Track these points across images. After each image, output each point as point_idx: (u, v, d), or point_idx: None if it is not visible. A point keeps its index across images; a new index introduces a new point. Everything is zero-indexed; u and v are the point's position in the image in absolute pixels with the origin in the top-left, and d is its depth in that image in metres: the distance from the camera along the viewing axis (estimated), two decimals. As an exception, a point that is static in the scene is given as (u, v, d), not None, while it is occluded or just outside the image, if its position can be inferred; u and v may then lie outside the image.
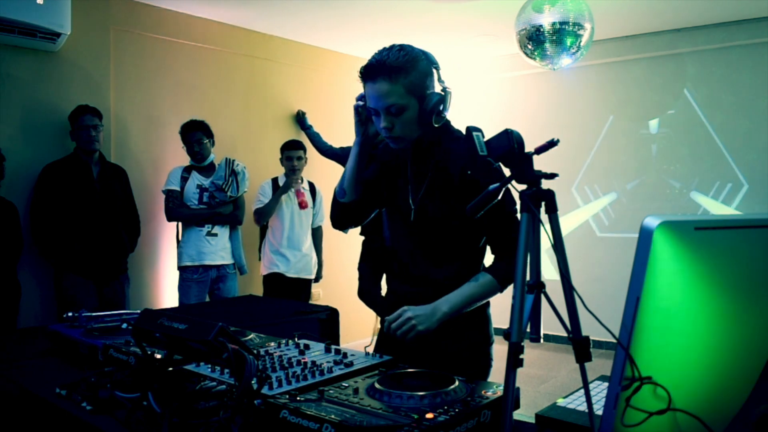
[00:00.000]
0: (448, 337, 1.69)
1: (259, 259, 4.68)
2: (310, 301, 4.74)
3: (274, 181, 4.59)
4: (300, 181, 4.61)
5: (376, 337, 1.83)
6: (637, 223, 0.83)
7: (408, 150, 1.69)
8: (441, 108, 1.59)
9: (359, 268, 3.65)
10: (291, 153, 4.52)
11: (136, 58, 4.36)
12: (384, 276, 1.92)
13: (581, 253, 5.60)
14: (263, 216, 4.48)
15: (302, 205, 4.54)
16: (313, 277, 4.67)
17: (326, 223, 4.71)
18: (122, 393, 1.27)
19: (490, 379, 1.71)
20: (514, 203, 1.64)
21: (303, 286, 4.60)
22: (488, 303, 1.77)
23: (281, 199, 4.46)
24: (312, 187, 4.72)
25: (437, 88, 1.61)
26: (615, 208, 5.63)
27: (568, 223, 5.79)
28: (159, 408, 1.16)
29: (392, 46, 1.57)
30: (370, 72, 1.55)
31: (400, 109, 1.55)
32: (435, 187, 1.66)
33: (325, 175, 5.38)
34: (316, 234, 4.74)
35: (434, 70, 1.60)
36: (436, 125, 1.60)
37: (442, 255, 1.69)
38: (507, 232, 1.64)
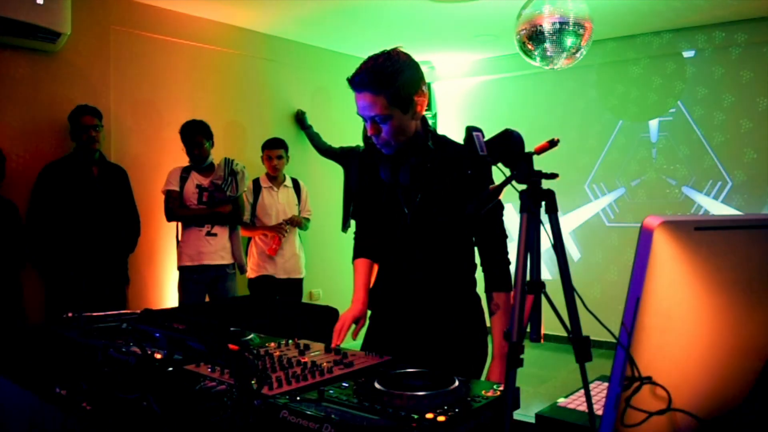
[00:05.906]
0: (444, 331, 1.71)
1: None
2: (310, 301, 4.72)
3: (255, 182, 4.45)
4: (282, 179, 4.50)
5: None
6: (637, 224, 0.83)
7: (394, 155, 1.70)
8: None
9: None
10: (272, 151, 4.42)
11: (136, 58, 4.36)
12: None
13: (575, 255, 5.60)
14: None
15: (269, 252, 4.33)
16: (302, 276, 4.55)
17: (313, 220, 4.66)
18: (122, 393, 1.27)
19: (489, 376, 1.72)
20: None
21: (294, 287, 4.49)
22: (479, 297, 1.79)
23: (267, 201, 4.38)
24: (296, 184, 4.60)
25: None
26: (614, 209, 5.62)
27: (567, 223, 5.79)
28: (159, 408, 1.16)
29: (380, 54, 1.58)
30: (355, 83, 1.58)
31: (384, 119, 1.58)
32: (429, 190, 1.67)
33: (320, 175, 5.38)
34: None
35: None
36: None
37: (436, 254, 1.71)
38: (494, 227, 1.67)
